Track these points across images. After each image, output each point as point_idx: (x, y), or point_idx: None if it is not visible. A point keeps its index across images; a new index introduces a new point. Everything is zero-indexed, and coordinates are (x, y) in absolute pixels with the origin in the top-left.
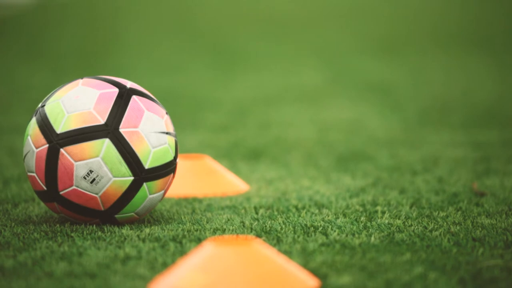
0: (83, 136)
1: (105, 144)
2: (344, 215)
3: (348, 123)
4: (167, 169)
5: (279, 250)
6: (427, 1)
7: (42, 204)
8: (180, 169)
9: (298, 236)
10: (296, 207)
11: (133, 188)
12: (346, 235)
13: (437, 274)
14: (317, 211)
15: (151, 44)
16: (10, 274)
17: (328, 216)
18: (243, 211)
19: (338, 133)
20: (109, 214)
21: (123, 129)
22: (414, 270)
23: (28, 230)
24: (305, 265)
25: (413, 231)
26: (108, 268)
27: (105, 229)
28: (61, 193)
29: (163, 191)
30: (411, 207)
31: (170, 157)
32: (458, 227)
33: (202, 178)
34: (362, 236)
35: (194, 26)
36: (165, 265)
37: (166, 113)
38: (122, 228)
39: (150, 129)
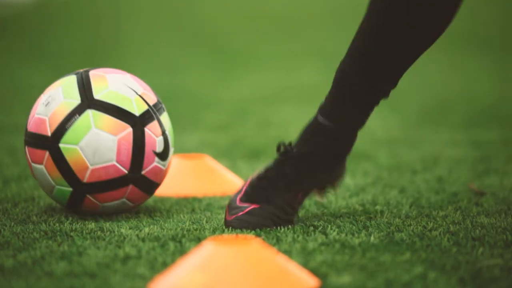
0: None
1: (70, 78)
2: (344, 215)
3: None
4: (122, 113)
5: (279, 249)
6: None
7: (42, 203)
8: (180, 168)
9: (298, 236)
10: None
11: (77, 111)
12: (346, 235)
13: (437, 273)
14: (316, 210)
15: (151, 44)
16: (10, 274)
17: (328, 216)
18: None
19: None
20: (55, 142)
21: (92, 72)
22: (414, 270)
23: (28, 230)
24: (305, 264)
25: (413, 230)
26: (108, 267)
27: (105, 228)
28: (27, 128)
29: (115, 139)
30: (410, 207)
31: (130, 108)
32: (457, 227)
33: (202, 177)
34: (362, 236)
35: (195, 25)
36: (165, 265)
37: (151, 94)
38: (121, 227)
39: (119, 79)
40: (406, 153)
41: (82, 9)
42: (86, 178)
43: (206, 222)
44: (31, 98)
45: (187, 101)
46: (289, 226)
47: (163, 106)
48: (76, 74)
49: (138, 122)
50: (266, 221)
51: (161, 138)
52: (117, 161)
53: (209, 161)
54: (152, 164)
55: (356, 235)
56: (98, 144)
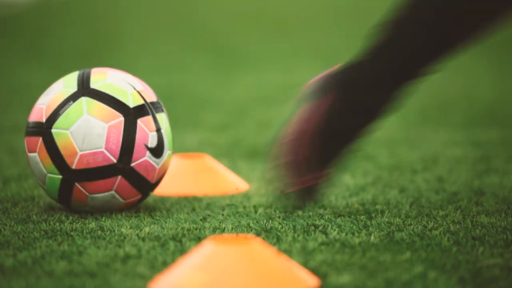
0: None
1: (74, 73)
2: (344, 214)
3: None
4: (115, 103)
5: (279, 249)
6: None
7: (41, 202)
8: (180, 168)
9: (298, 235)
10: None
11: (72, 98)
12: (346, 234)
13: (437, 273)
14: (316, 210)
15: (151, 43)
16: (10, 273)
17: (328, 215)
18: (243, 210)
19: None
20: (48, 128)
21: (96, 69)
22: (414, 269)
23: (28, 229)
24: (305, 264)
25: (413, 230)
26: (108, 267)
27: (105, 228)
28: (28, 119)
29: (105, 126)
30: (410, 206)
31: (125, 100)
32: (457, 226)
33: (202, 177)
34: (362, 235)
35: (194, 25)
36: (165, 264)
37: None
38: (121, 227)
39: (119, 75)
40: (406, 153)
41: (82, 9)
42: (75, 164)
43: (206, 221)
44: (31, 98)
45: (187, 101)
46: (290, 225)
47: (163, 108)
48: (80, 70)
49: (131, 114)
50: None
51: (154, 134)
52: (106, 148)
53: (209, 161)
54: (142, 157)
55: (356, 234)
56: (88, 130)
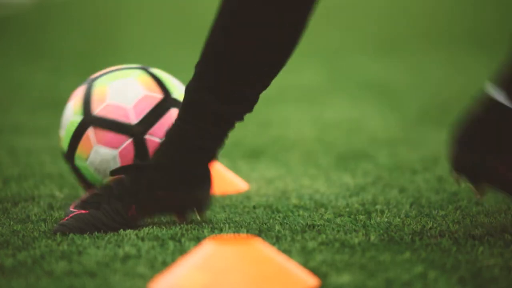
0: None
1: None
2: (344, 214)
3: (348, 122)
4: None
5: (279, 249)
6: (426, 0)
7: (41, 203)
8: None
9: (297, 235)
10: (296, 206)
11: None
12: (346, 234)
13: (437, 273)
14: (316, 210)
15: (152, 44)
16: (10, 273)
17: (328, 215)
18: (242, 210)
19: (338, 132)
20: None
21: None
22: (414, 269)
23: (28, 229)
24: (305, 264)
25: (413, 230)
26: (108, 267)
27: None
28: None
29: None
30: (411, 206)
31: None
32: (457, 226)
33: None
34: (362, 235)
35: (195, 25)
36: (165, 264)
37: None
38: None
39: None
40: (406, 153)
41: (82, 9)
42: (97, 110)
43: (206, 221)
44: (31, 98)
45: None
46: (289, 225)
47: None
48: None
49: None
50: (87, 226)
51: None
52: (133, 108)
53: None
54: (159, 139)
55: (355, 234)
56: (123, 94)
